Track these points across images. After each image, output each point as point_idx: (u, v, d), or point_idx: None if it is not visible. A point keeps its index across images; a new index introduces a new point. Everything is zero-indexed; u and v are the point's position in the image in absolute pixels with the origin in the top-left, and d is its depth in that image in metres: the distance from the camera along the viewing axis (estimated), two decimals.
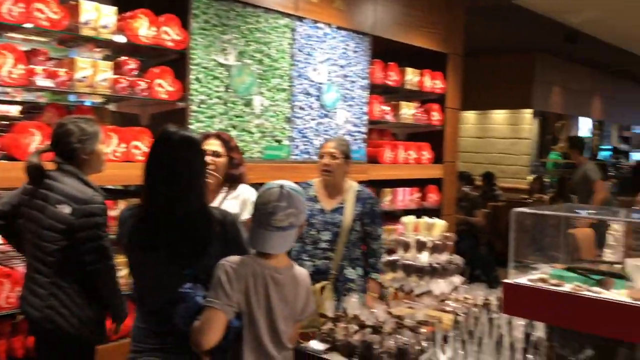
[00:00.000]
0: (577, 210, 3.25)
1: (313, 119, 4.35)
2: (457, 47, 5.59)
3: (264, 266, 2.02)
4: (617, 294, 1.91)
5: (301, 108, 4.25)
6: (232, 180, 2.87)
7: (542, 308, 1.97)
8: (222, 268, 1.96)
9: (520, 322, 2.20)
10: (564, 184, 8.88)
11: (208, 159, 2.78)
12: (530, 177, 9.27)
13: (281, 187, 2.03)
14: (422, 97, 5.44)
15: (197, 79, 3.61)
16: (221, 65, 3.73)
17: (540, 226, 2.38)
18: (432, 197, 5.50)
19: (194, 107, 3.59)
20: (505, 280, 2.07)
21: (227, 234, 2.09)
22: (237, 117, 3.83)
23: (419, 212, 3.44)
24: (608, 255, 4.16)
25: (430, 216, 2.94)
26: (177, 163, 2.02)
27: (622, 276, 2.08)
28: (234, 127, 3.82)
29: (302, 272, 2.15)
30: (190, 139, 2.07)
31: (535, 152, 10.98)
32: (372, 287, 3.29)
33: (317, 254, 3.26)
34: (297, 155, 4.21)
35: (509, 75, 8.79)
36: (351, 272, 3.28)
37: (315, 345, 2.25)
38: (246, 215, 2.93)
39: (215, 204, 2.84)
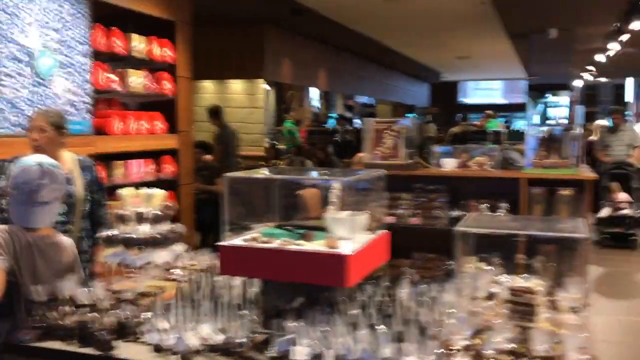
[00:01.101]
0: (306, 172, 3.51)
1: (25, 88, 3.91)
2: (184, 14, 5.52)
3: (30, 236, 2.26)
4: (317, 245, 2.12)
5: (9, 75, 3.78)
6: None
7: (254, 265, 2.10)
8: None
9: (237, 282, 2.31)
10: (301, 150, 9.57)
11: None
12: (267, 145, 9.76)
13: (40, 164, 2.25)
14: (152, 66, 5.27)
15: None
16: None
17: (257, 189, 2.52)
18: (169, 168, 5.42)
19: None
20: (220, 243, 2.14)
21: None
22: None
23: (155, 184, 3.39)
24: (331, 212, 4.61)
25: (168, 187, 2.90)
26: None
27: (324, 229, 2.32)
28: None
29: (66, 239, 2.48)
30: None
31: (273, 121, 11.54)
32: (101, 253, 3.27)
33: (55, 228, 3.04)
34: (6, 128, 3.74)
35: (242, 46, 9.01)
36: (85, 244, 3.21)
37: (21, 334, 2.07)
38: None
39: None
